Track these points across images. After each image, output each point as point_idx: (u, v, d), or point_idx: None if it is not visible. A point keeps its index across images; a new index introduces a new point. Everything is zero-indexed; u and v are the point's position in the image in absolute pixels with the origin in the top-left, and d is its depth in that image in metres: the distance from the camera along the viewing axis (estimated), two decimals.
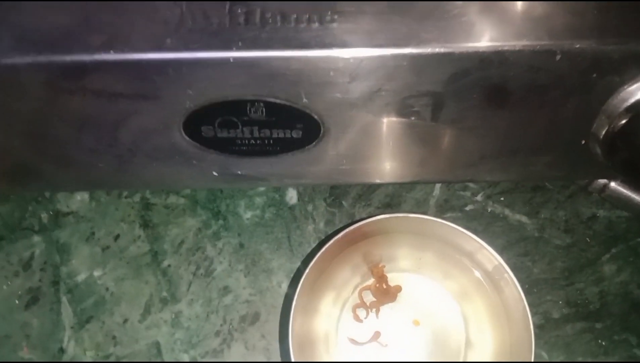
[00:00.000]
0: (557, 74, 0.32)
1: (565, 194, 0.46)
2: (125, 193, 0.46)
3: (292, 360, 0.36)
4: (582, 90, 0.33)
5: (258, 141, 0.35)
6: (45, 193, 0.46)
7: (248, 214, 0.45)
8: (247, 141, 0.35)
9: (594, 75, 0.32)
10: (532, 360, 0.36)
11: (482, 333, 0.41)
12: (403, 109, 0.33)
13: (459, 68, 0.31)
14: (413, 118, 0.34)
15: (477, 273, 0.40)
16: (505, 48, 0.30)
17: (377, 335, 0.42)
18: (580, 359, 0.43)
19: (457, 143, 0.36)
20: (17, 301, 0.44)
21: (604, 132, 0.35)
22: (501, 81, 0.32)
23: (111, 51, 0.30)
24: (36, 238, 0.45)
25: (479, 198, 0.46)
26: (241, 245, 0.45)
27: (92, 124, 0.34)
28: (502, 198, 0.46)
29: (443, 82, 0.32)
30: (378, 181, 0.40)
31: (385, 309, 0.42)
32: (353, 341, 0.42)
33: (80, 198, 0.46)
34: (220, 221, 0.45)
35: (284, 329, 0.42)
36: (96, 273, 0.44)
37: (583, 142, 0.37)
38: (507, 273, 0.38)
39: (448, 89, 0.32)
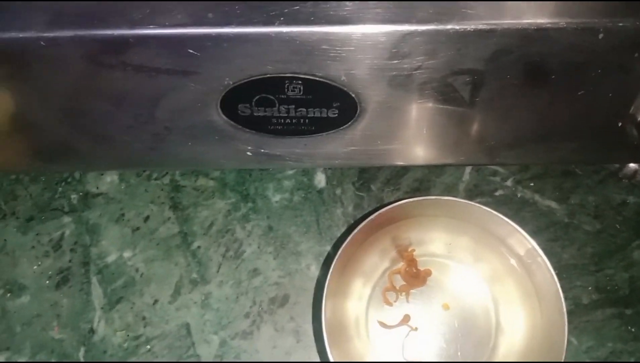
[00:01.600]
0: (598, 52, 0.32)
1: (595, 180, 0.46)
2: (154, 175, 0.46)
3: (325, 343, 0.36)
4: (622, 70, 0.33)
5: (294, 120, 0.35)
6: (75, 173, 0.46)
7: (277, 198, 0.45)
8: (282, 120, 0.35)
9: (636, 54, 0.32)
10: (565, 344, 0.36)
11: (513, 317, 0.41)
12: (442, 88, 0.33)
13: (501, 45, 0.31)
14: (451, 97, 0.34)
15: (509, 257, 0.40)
16: (548, 25, 0.30)
17: (406, 319, 0.42)
18: (609, 345, 0.43)
19: (492, 124, 0.36)
20: (47, 282, 0.44)
21: None
22: (542, 59, 0.32)
23: (152, 25, 0.30)
24: (66, 219, 0.45)
25: (508, 183, 0.45)
26: (270, 228, 0.45)
27: (130, 100, 0.34)
28: (531, 184, 0.45)
29: (484, 60, 0.32)
30: (410, 163, 0.40)
31: (415, 293, 0.42)
32: (383, 324, 0.42)
33: (110, 179, 0.46)
34: (250, 204, 0.45)
35: (317, 312, 0.42)
36: (126, 254, 0.44)
37: (620, 124, 0.36)
38: (540, 256, 0.38)
39: (489, 67, 0.32)
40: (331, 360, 0.36)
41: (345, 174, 0.46)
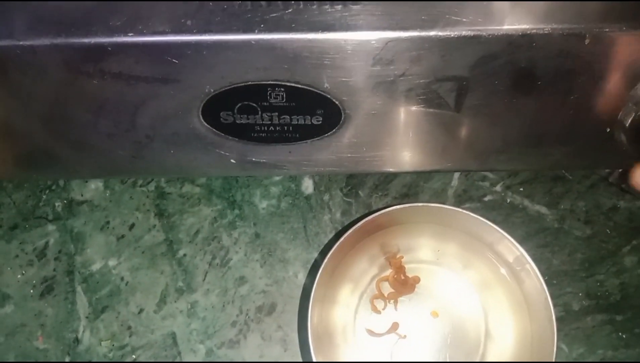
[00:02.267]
0: (586, 59, 0.31)
1: (585, 185, 0.45)
2: (140, 182, 0.45)
3: (311, 351, 0.35)
4: (610, 76, 0.32)
5: (277, 128, 0.35)
6: (59, 181, 0.46)
7: (264, 204, 0.45)
8: (266, 128, 0.35)
9: (623, 60, 0.32)
10: (555, 351, 0.35)
11: (502, 324, 0.40)
12: (427, 95, 0.33)
13: (486, 52, 0.30)
14: (437, 104, 0.33)
15: (498, 264, 0.40)
16: (533, 31, 0.30)
17: (395, 327, 0.41)
18: (600, 352, 0.42)
19: (480, 130, 0.36)
20: (31, 291, 0.43)
21: (630, 119, 0.35)
22: (529, 65, 0.32)
23: (130, 33, 0.30)
24: (50, 227, 0.45)
25: (498, 188, 0.45)
26: (257, 235, 0.44)
27: (110, 108, 0.33)
28: (521, 189, 0.45)
29: (469, 67, 0.31)
30: (398, 169, 0.39)
31: (404, 300, 0.42)
32: (371, 332, 0.41)
33: (95, 187, 0.45)
34: (236, 211, 0.45)
35: (303, 320, 0.41)
36: (111, 263, 0.44)
37: (608, 130, 0.36)
38: (529, 263, 0.37)
39: (474, 74, 0.32)
40: None
41: (333, 180, 0.45)
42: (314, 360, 0.35)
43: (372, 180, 0.46)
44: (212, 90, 0.32)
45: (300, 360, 0.41)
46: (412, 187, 0.45)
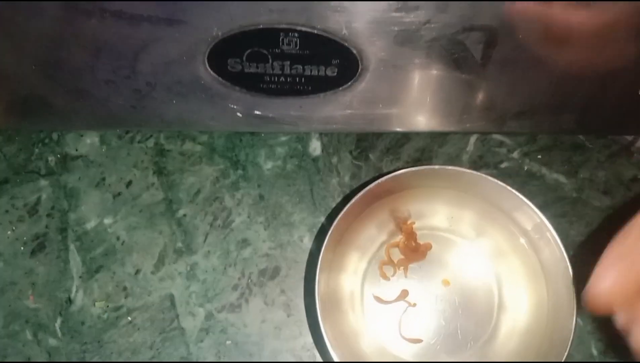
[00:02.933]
0: (622, 10, 0.29)
1: (605, 154, 0.43)
2: (138, 138, 0.43)
3: (319, 317, 0.34)
4: None
5: (289, 79, 0.32)
6: (52, 134, 0.43)
7: (269, 165, 0.43)
8: (276, 78, 0.32)
9: None
10: (574, 323, 0.34)
11: (516, 295, 0.39)
12: (452, 46, 0.30)
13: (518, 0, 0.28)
14: (462, 57, 0.31)
15: (515, 232, 0.38)
16: None
17: (404, 294, 0.39)
18: None
19: (504, 88, 0.34)
20: (22, 248, 0.41)
21: None
22: (562, 17, 0.29)
23: None
24: (43, 182, 0.42)
25: (515, 155, 0.43)
26: (261, 197, 0.42)
27: (109, 51, 0.31)
28: (539, 156, 0.43)
29: (499, 16, 0.29)
30: (413, 129, 0.37)
31: (414, 267, 0.40)
32: (379, 299, 0.39)
33: (90, 141, 0.43)
34: (240, 171, 0.42)
35: (309, 286, 0.39)
36: (106, 221, 0.42)
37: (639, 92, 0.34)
38: (549, 231, 0.35)
39: (504, 25, 0.29)
40: (324, 334, 0.34)
41: (342, 142, 0.43)
42: (321, 326, 0.34)
43: (384, 143, 0.43)
44: (219, 33, 0.29)
45: (305, 326, 0.39)
46: (425, 151, 0.43)
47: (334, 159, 0.43)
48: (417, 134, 0.43)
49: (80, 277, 0.41)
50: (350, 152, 0.43)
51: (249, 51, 0.31)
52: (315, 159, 0.43)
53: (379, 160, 0.43)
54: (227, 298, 0.40)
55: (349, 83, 0.33)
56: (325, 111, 0.35)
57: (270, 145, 0.43)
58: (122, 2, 0.28)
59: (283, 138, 0.43)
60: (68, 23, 0.29)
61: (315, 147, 0.43)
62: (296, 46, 0.30)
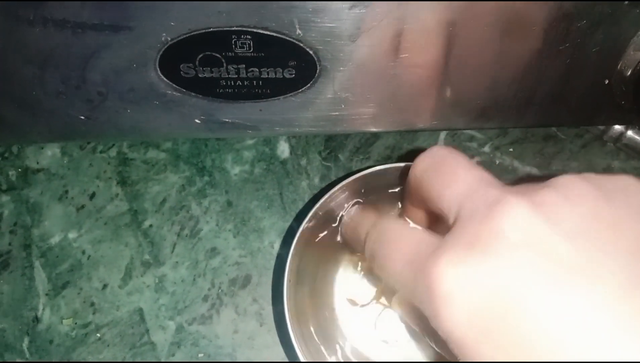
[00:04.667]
0: (585, 1, 0.28)
1: (578, 144, 0.42)
2: (100, 147, 0.41)
3: (288, 326, 0.33)
4: (611, 21, 0.30)
5: (245, 82, 0.31)
6: (12, 148, 0.42)
7: (236, 170, 0.41)
8: (232, 82, 0.31)
9: (626, 2, 0.29)
10: None
11: None
12: (411, 42, 0.29)
13: None
14: (421, 53, 0.30)
15: None
16: None
17: (378, 295, 0.39)
18: None
19: (468, 83, 0.33)
20: None
21: (631, 70, 0.32)
22: (523, 7, 0.28)
23: None
24: (4, 198, 0.41)
25: (486, 149, 0.42)
26: (229, 203, 0.41)
27: (56, 61, 0.30)
28: (511, 149, 0.42)
29: (458, 10, 0.28)
30: (380, 129, 0.36)
31: None
32: (353, 302, 0.38)
33: (51, 153, 0.42)
34: (206, 178, 0.41)
35: (277, 293, 0.39)
36: (71, 235, 0.40)
37: (607, 82, 0.33)
38: None
39: (463, 18, 0.28)
40: (294, 343, 0.33)
41: (310, 143, 0.42)
42: (292, 335, 0.33)
43: (353, 143, 0.42)
44: (168, 38, 0.28)
45: (276, 335, 0.38)
46: (395, 149, 0.42)
47: (303, 161, 0.42)
48: (387, 132, 0.42)
49: (46, 294, 0.40)
50: (319, 153, 0.42)
51: (201, 55, 0.29)
52: (283, 162, 0.42)
53: (348, 160, 0.42)
54: (198, 309, 0.39)
55: (309, 84, 0.32)
56: (287, 114, 0.34)
57: (237, 149, 0.42)
58: (65, 10, 0.27)
59: (250, 141, 0.42)
60: (10, 34, 0.28)
61: (284, 149, 0.42)
62: (250, 48, 0.29)
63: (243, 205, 0.41)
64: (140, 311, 0.39)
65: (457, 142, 0.42)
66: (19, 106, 0.33)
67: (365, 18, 0.28)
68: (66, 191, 0.41)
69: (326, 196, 0.35)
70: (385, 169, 0.35)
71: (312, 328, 0.37)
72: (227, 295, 0.39)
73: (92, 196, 0.41)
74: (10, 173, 0.42)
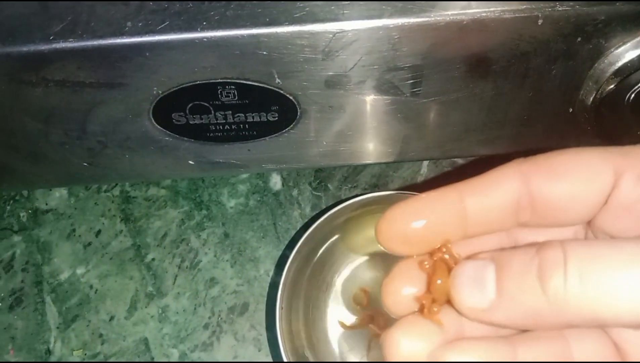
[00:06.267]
0: (541, 40, 0.31)
1: None
2: (104, 187, 0.44)
3: (281, 348, 0.35)
4: (567, 55, 0.32)
5: (233, 126, 0.34)
6: (22, 191, 0.45)
7: (232, 203, 0.44)
8: (221, 127, 0.34)
9: (579, 39, 0.31)
10: None
11: None
12: (382, 85, 0.32)
13: (437, 38, 0.30)
14: (393, 94, 0.33)
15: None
16: (484, 15, 0.29)
17: (368, 320, 0.41)
18: None
19: (441, 117, 0.35)
20: (0, 304, 0.43)
21: (592, 98, 0.34)
22: (482, 50, 0.31)
23: (70, 39, 0.29)
24: (16, 238, 0.44)
25: None
26: (226, 235, 0.43)
27: (58, 116, 0.32)
28: None
29: (422, 54, 0.30)
30: (363, 161, 0.39)
31: (376, 292, 0.41)
32: (343, 325, 0.41)
33: (59, 195, 0.44)
34: (204, 211, 0.44)
35: (271, 318, 0.41)
36: (79, 271, 0.43)
37: (570, 110, 0.35)
38: None
39: (427, 61, 0.31)
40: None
41: (301, 175, 0.45)
42: (284, 359, 0.35)
43: (341, 172, 0.45)
44: (160, 92, 0.31)
45: (274, 359, 0.41)
46: (381, 177, 0.45)
47: (295, 192, 0.44)
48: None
49: (57, 328, 0.42)
50: (310, 183, 0.45)
51: (190, 104, 0.32)
52: (276, 194, 0.44)
53: (337, 189, 0.45)
54: (199, 337, 0.41)
55: (291, 126, 0.34)
56: (273, 152, 0.36)
57: (233, 183, 0.44)
58: (63, 71, 0.30)
59: (244, 176, 0.45)
60: (15, 94, 0.31)
61: (276, 181, 0.45)
62: (235, 96, 0.32)
63: (239, 236, 0.43)
64: (145, 340, 0.42)
65: (440, 168, 0.44)
66: (25, 157, 0.36)
67: (336, 67, 0.30)
68: (74, 230, 0.44)
69: (314, 226, 0.37)
70: (371, 198, 0.38)
71: (307, 352, 0.39)
72: (226, 323, 0.42)
73: (98, 233, 0.44)
74: (21, 214, 0.44)
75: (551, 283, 0.17)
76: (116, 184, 0.44)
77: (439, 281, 0.19)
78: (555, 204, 0.20)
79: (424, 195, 0.21)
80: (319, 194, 0.44)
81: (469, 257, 0.20)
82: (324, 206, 0.44)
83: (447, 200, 0.21)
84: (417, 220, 0.20)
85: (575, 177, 0.20)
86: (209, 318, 0.42)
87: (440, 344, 0.19)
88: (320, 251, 0.40)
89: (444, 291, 0.19)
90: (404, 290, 0.20)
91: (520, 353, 0.19)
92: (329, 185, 0.44)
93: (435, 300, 0.19)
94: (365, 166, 0.45)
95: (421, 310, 0.20)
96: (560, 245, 0.17)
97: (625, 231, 0.19)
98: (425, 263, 0.20)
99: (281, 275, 0.36)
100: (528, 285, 0.17)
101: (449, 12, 0.29)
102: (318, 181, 0.45)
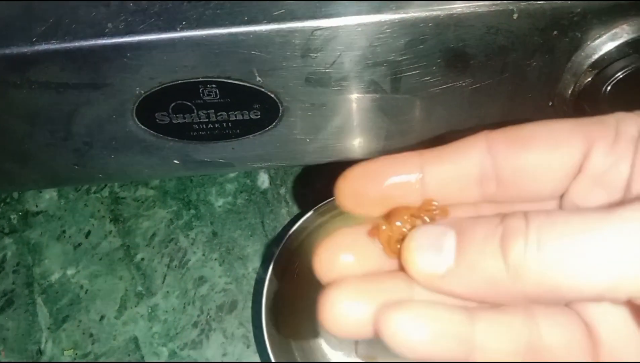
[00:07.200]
0: (517, 34, 0.31)
1: None
2: (93, 188, 0.45)
3: (267, 345, 0.35)
4: (545, 49, 0.32)
5: (216, 125, 0.34)
6: (12, 193, 0.45)
7: (220, 202, 0.44)
8: (204, 126, 0.34)
9: (555, 32, 0.31)
10: None
11: None
12: (361, 82, 0.32)
13: (414, 35, 0.30)
14: (373, 90, 0.33)
15: None
16: (460, 10, 0.29)
17: None
18: None
19: (422, 113, 0.36)
20: None
21: (570, 91, 0.35)
22: (459, 45, 0.31)
23: (52, 40, 0.29)
24: (7, 240, 0.44)
25: None
26: (214, 234, 0.44)
27: (43, 117, 0.33)
28: None
29: (399, 51, 0.31)
30: (347, 157, 0.39)
31: None
32: None
33: (49, 196, 0.45)
34: (192, 211, 0.44)
35: (258, 315, 0.41)
36: (69, 272, 0.43)
37: (550, 103, 0.36)
38: None
39: (405, 57, 0.31)
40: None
41: (288, 173, 0.45)
42: (271, 357, 0.35)
43: (328, 169, 0.45)
44: (142, 92, 0.31)
45: (262, 356, 0.41)
46: None
47: (282, 190, 0.45)
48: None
49: (48, 328, 0.43)
50: (297, 181, 0.45)
51: (173, 104, 0.33)
52: (264, 192, 0.45)
53: (325, 186, 0.45)
54: (188, 335, 0.42)
55: (274, 123, 0.35)
56: (257, 150, 0.37)
57: (220, 182, 0.45)
58: (46, 73, 0.30)
59: (232, 175, 0.45)
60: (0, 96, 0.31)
61: (264, 180, 0.45)
62: (216, 95, 0.32)
63: (227, 235, 0.44)
64: (135, 339, 0.42)
65: None
66: (12, 158, 0.36)
67: (315, 64, 0.31)
68: (64, 231, 0.44)
69: (300, 222, 0.38)
70: None
71: (294, 347, 0.39)
72: (215, 321, 0.42)
73: (87, 234, 0.44)
74: (12, 216, 0.45)
75: (511, 251, 0.16)
76: (105, 186, 0.45)
77: (397, 223, 0.18)
78: (522, 175, 0.19)
79: (384, 157, 0.21)
80: (307, 191, 0.45)
81: None
82: (311, 203, 0.45)
83: (407, 164, 0.20)
84: (374, 181, 0.20)
85: (542, 147, 0.19)
86: (198, 316, 0.42)
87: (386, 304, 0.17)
88: (307, 246, 0.41)
89: (401, 235, 0.18)
90: (342, 256, 0.19)
91: (480, 324, 0.17)
92: (316, 182, 0.45)
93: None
94: (352, 162, 0.45)
95: (375, 234, 0.18)
96: (524, 214, 0.17)
97: (598, 204, 0.19)
98: (384, 226, 0.19)
99: (267, 271, 0.37)
100: (489, 252, 0.16)
101: (426, 8, 0.29)
102: (306, 178, 0.45)
